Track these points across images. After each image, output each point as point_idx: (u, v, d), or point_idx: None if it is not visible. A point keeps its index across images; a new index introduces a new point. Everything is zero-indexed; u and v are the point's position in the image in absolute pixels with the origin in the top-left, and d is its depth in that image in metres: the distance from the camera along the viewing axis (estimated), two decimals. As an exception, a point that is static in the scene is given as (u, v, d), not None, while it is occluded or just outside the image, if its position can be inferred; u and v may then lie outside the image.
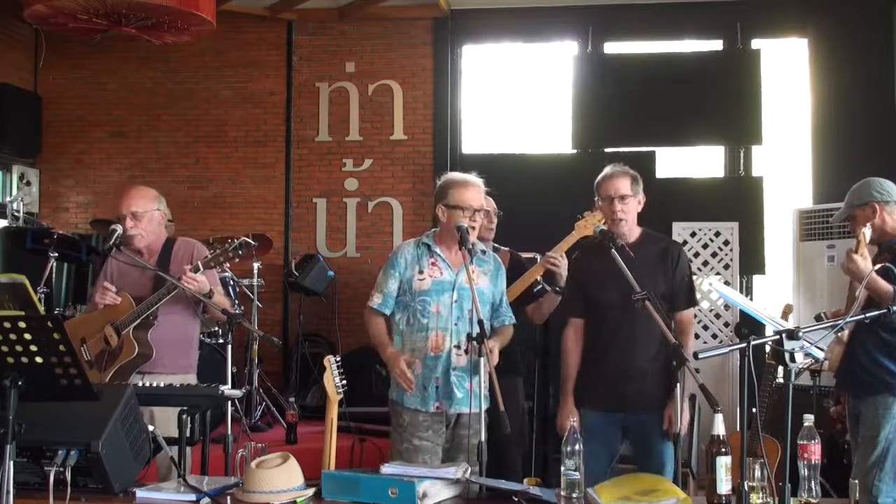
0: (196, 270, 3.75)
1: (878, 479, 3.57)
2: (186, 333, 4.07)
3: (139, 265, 3.92)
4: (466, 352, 3.48)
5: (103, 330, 3.91)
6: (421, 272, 3.60)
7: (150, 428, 3.04)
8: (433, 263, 3.61)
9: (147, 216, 3.95)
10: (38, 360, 2.49)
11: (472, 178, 3.68)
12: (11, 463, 2.44)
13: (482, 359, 3.28)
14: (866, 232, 3.55)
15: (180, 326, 4.01)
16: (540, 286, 4.40)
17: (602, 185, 3.67)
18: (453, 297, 3.56)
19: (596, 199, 3.73)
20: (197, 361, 4.17)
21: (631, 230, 3.66)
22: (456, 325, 3.55)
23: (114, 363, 3.86)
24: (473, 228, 3.55)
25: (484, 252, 3.70)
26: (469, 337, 3.39)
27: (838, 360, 3.77)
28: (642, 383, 3.58)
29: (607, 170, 3.70)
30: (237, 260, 3.83)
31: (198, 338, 4.22)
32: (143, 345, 3.86)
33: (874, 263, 3.51)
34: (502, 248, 4.68)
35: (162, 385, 3.47)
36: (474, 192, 3.60)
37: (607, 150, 7.00)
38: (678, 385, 3.23)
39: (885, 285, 3.45)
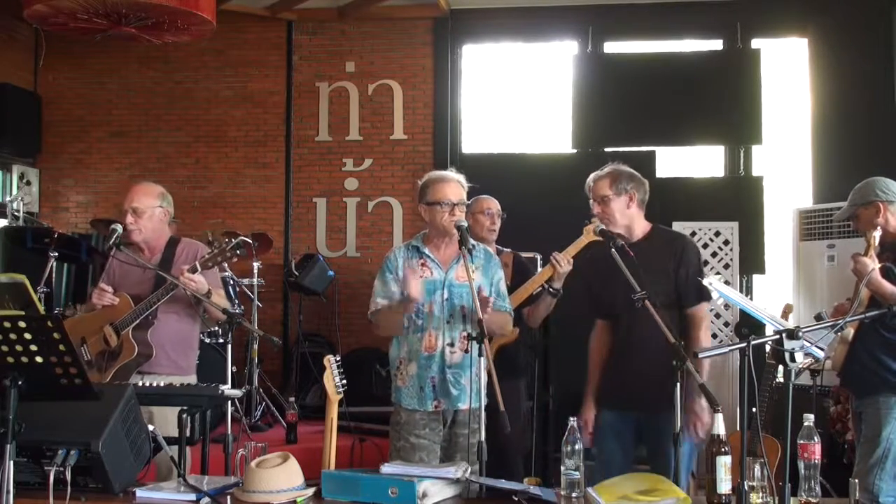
0: (193, 271, 3.75)
1: (878, 479, 3.57)
2: (186, 334, 4.07)
3: (140, 265, 3.92)
4: (466, 351, 3.47)
5: (102, 330, 3.91)
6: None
7: (150, 428, 3.04)
8: (423, 264, 3.61)
9: (147, 213, 3.95)
10: (38, 359, 2.49)
11: (450, 173, 3.68)
12: (11, 463, 2.44)
13: (481, 358, 3.27)
14: (877, 235, 3.55)
15: (180, 327, 4.01)
16: (540, 288, 4.39)
17: (590, 190, 3.69)
18: (444, 294, 3.57)
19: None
20: (196, 362, 4.17)
21: (632, 227, 3.62)
22: (448, 322, 3.55)
23: (114, 364, 3.86)
24: (452, 222, 3.53)
25: (474, 247, 3.68)
26: (469, 336, 3.39)
27: (842, 359, 3.75)
28: (656, 383, 3.56)
29: (592, 175, 3.70)
30: (235, 259, 3.81)
31: (198, 339, 4.21)
32: (143, 345, 3.86)
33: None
34: (505, 249, 4.67)
35: (162, 385, 3.47)
36: (451, 186, 3.59)
37: (607, 149, 6.99)
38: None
39: (888, 287, 3.45)
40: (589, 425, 3.62)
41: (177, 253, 4.02)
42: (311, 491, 2.80)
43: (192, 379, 4.03)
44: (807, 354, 2.93)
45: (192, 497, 2.76)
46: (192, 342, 4.13)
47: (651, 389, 3.53)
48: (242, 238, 3.82)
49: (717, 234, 6.39)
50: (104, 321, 3.91)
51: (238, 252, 3.75)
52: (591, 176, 3.70)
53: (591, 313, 3.80)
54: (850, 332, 3.66)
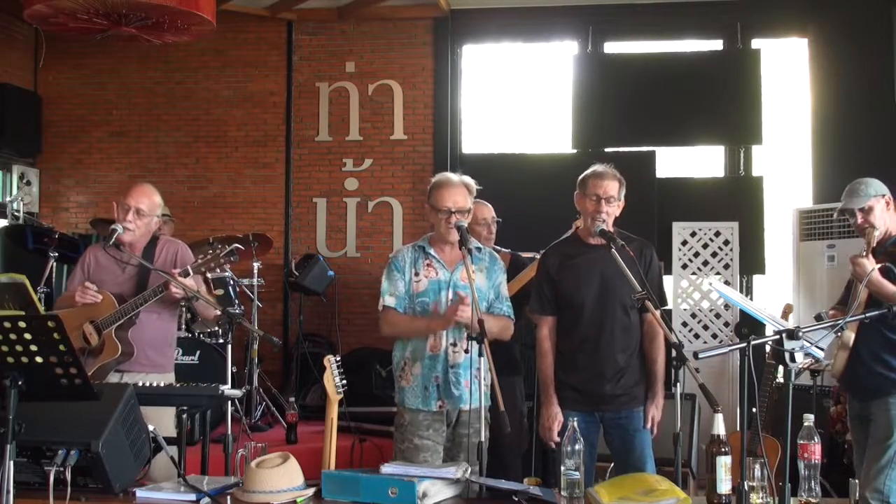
0: (185, 275, 3.75)
1: (890, 479, 3.54)
2: (166, 332, 4.09)
3: (143, 264, 3.92)
4: (466, 350, 3.47)
5: (82, 327, 3.89)
6: (417, 274, 3.63)
7: (151, 428, 3.04)
8: (428, 265, 3.64)
9: (147, 219, 3.98)
10: (38, 360, 2.50)
11: (453, 177, 3.67)
12: (11, 463, 2.45)
13: (482, 358, 3.27)
14: (876, 235, 3.56)
15: (160, 326, 4.03)
16: None
17: (589, 183, 3.61)
18: (449, 294, 3.58)
19: (577, 192, 3.67)
20: (174, 359, 4.19)
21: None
22: None
23: (94, 362, 3.85)
24: (450, 229, 3.54)
25: (479, 249, 3.70)
26: (469, 337, 3.40)
27: (842, 365, 3.69)
28: (620, 381, 3.59)
29: (597, 168, 3.65)
30: (227, 266, 3.83)
31: (176, 335, 4.23)
32: (125, 344, 3.87)
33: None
34: (502, 249, 4.68)
35: (156, 385, 3.47)
36: (451, 192, 3.58)
37: (607, 150, 6.99)
38: (677, 384, 3.22)
39: (889, 287, 3.45)
40: (557, 429, 3.56)
41: (157, 252, 4.04)
42: (311, 491, 2.80)
43: (171, 376, 4.05)
44: (807, 355, 2.93)
45: (192, 497, 2.77)
46: (171, 340, 4.15)
47: (616, 387, 3.58)
48: (236, 245, 3.82)
49: (717, 234, 6.40)
50: (83, 318, 3.89)
51: (231, 259, 3.76)
52: (598, 171, 3.63)
53: (545, 309, 3.73)
54: (850, 336, 3.62)
